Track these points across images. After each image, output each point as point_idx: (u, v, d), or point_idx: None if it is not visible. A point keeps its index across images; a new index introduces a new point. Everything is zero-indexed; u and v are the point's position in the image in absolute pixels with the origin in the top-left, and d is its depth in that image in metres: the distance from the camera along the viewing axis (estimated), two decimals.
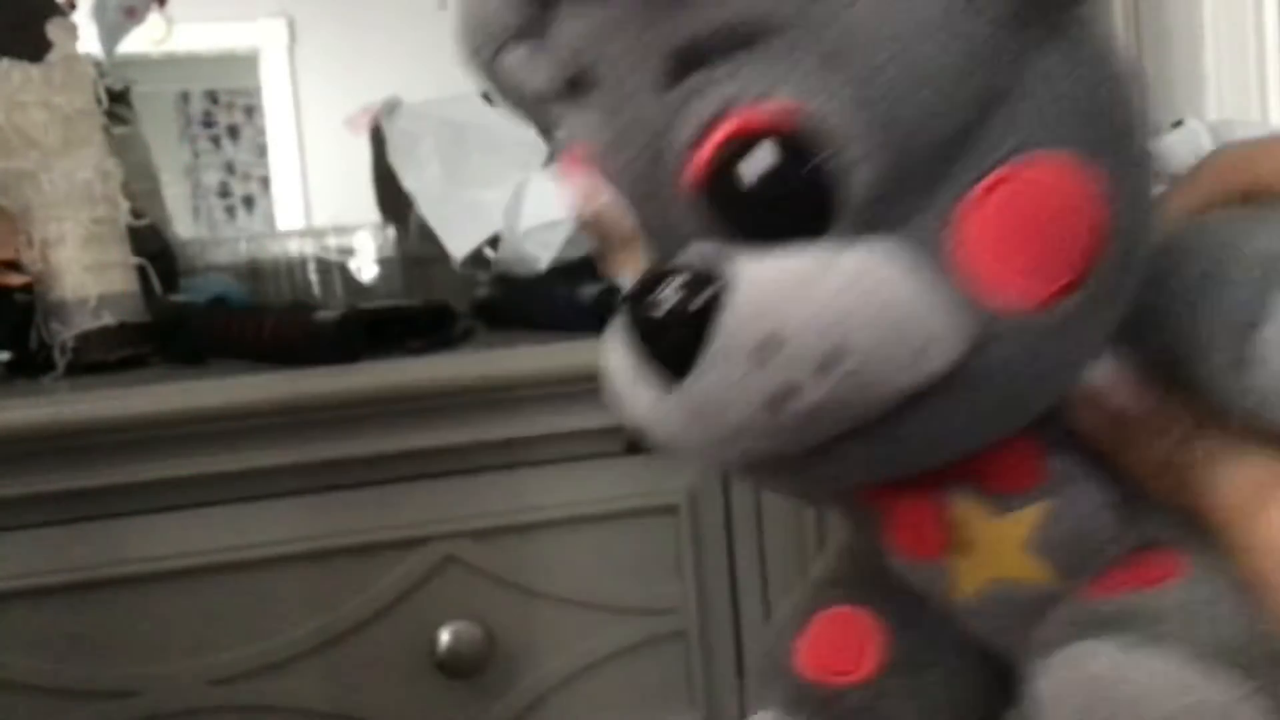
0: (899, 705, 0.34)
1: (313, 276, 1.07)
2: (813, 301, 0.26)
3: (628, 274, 0.31)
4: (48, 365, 0.87)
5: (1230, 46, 1.34)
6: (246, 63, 1.33)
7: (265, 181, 1.35)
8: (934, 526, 0.31)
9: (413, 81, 1.14)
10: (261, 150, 1.35)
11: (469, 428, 0.78)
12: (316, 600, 0.77)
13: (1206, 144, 1.05)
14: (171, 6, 1.20)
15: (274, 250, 1.09)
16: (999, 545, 0.31)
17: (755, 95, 0.26)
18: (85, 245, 0.88)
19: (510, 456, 0.79)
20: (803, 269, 0.26)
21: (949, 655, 0.34)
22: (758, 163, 0.26)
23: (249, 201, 1.34)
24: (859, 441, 0.28)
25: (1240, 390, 0.27)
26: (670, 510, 0.82)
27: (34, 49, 0.88)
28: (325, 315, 0.81)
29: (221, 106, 1.35)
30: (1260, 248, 0.28)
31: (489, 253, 0.98)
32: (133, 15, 1.13)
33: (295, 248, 1.08)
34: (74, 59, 0.91)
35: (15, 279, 0.87)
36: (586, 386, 0.79)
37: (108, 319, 0.88)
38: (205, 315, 0.93)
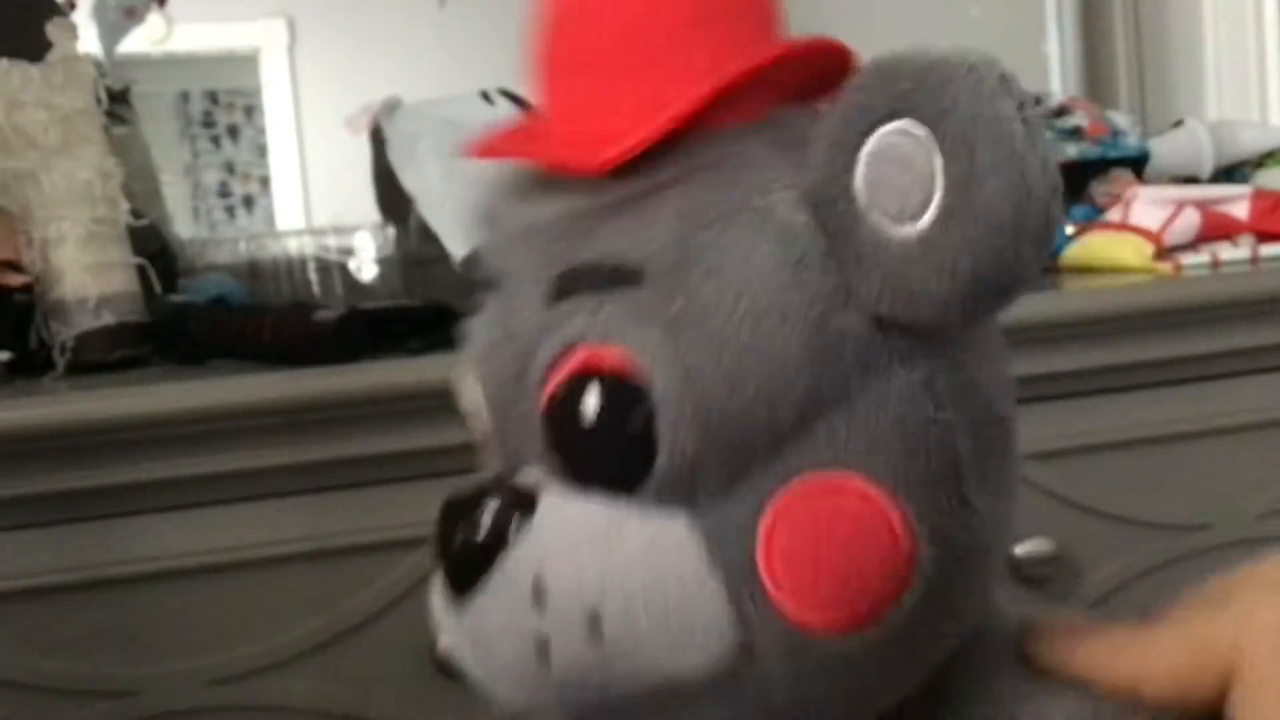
0: None
1: (313, 276, 1.07)
2: (585, 558, 0.25)
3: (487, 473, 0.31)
4: (48, 365, 0.87)
5: (1230, 46, 1.34)
6: (246, 63, 1.33)
7: (265, 181, 1.35)
8: None
9: (413, 81, 1.14)
10: (261, 150, 1.35)
11: (469, 427, 0.78)
12: (316, 600, 0.77)
13: (1206, 144, 1.05)
14: (171, 6, 1.20)
15: (274, 250, 1.09)
16: None
17: (600, 338, 0.26)
18: (85, 245, 0.88)
19: None
20: (594, 523, 0.26)
21: None
22: (592, 404, 0.26)
23: (249, 201, 1.34)
24: None
25: None
26: None
27: (34, 49, 0.88)
28: (325, 315, 0.81)
29: (221, 106, 1.35)
30: None
31: None
32: (133, 15, 1.13)
33: (295, 248, 1.08)
34: (74, 59, 0.91)
35: (15, 279, 0.87)
36: None
37: (107, 319, 0.88)
38: (205, 315, 0.92)
